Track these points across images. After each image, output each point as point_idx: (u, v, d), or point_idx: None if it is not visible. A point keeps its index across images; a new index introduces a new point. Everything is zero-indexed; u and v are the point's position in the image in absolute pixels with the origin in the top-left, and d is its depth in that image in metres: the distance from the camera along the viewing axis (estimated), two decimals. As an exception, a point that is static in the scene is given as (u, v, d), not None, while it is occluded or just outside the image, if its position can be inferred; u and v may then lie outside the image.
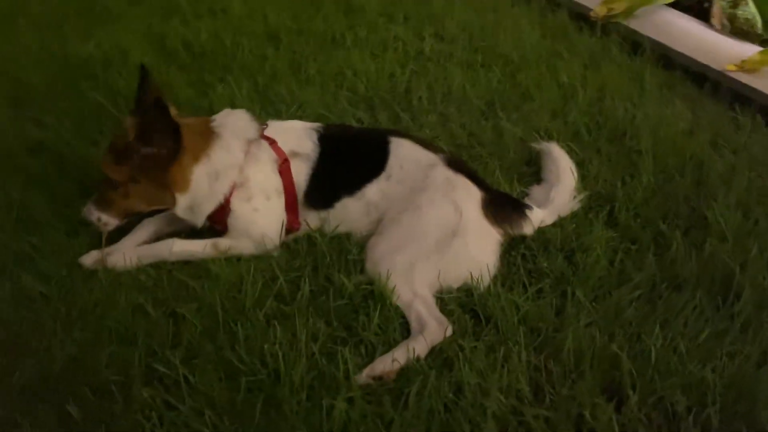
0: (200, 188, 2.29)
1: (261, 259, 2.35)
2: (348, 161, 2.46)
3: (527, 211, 2.41)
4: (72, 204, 2.55)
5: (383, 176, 2.42)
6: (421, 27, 3.97)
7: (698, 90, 3.45)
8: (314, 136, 2.46)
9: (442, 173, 2.38)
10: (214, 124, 2.38)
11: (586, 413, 1.83)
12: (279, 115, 3.06)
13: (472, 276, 2.22)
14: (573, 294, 2.20)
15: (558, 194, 2.56)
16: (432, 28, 3.94)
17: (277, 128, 2.49)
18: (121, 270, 2.29)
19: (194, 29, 3.87)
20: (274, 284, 2.23)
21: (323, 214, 2.45)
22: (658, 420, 1.86)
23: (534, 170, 2.82)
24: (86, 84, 3.37)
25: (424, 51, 3.70)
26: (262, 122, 2.49)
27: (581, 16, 4.13)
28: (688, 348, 2.02)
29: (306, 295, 2.15)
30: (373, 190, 2.41)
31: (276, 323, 2.06)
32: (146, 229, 2.44)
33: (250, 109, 3.00)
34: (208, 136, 2.32)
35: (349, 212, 2.43)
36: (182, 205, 2.31)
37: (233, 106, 3.07)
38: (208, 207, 2.33)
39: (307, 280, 2.19)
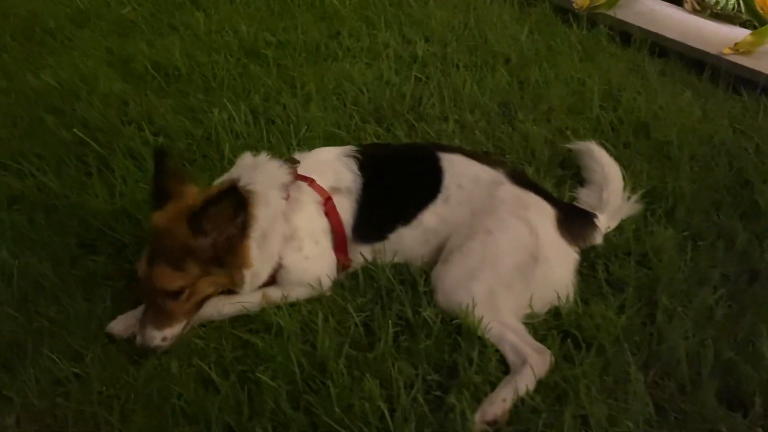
0: (257, 255, 2.01)
1: (321, 302, 2.13)
2: (397, 187, 2.25)
3: (596, 221, 2.32)
4: (77, 261, 2.25)
5: (440, 199, 2.23)
6: (405, 30, 3.81)
7: (698, 76, 3.49)
8: (353, 165, 2.23)
9: (510, 191, 2.22)
10: (241, 180, 2.04)
11: (722, 429, 1.75)
12: (287, 139, 2.84)
13: (559, 298, 2.10)
14: (657, 301, 2.13)
15: (611, 195, 2.45)
16: (417, 31, 3.79)
17: (310, 163, 2.24)
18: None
19: (161, 49, 3.52)
20: (344, 329, 2.03)
21: (377, 246, 2.24)
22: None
23: (572, 173, 2.72)
24: (52, 119, 2.98)
25: (418, 56, 3.55)
26: (290, 159, 2.24)
27: (561, 9, 4.11)
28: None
29: (389, 338, 1.96)
30: (430, 216, 2.22)
31: (363, 374, 1.86)
32: None
33: (252, 136, 2.85)
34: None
35: (406, 242, 2.23)
36: (248, 279, 2.03)
37: (233, 132, 2.87)
38: (266, 271, 2.07)
39: (389, 321, 1.99)
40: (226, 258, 1.93)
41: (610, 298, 2.14)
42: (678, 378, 1.90)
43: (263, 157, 2.18)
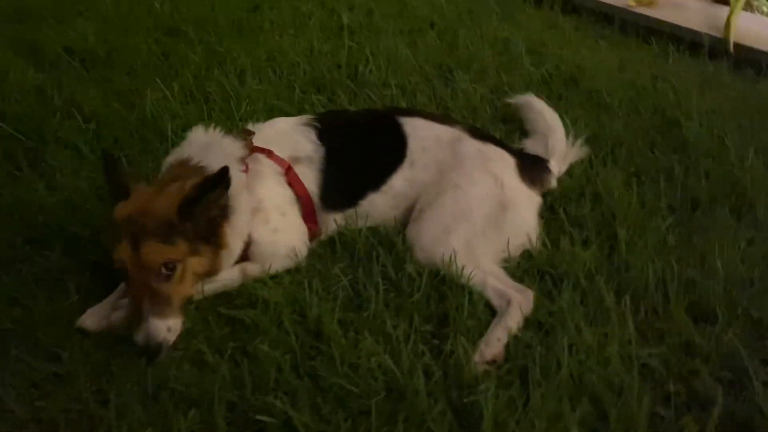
0: (229, 232, 1.93)
1: (300, 271, 2.10)
2: (363, 154, 2.23)
3: (550, 166, 2.42)
4: (29, 259, 2.08)
5: (407, 163, 2.24)
6: (326, 1, 3.78)
7: (610, 28, 3.70)
8: (311, 134, 2.20)
9: (472, 146, 2.27)
10: (192, 160, 2.00)
11: (696, 339, 1.90)
12: (229, 115, 2.75)
13: (530, 240, 2.19)
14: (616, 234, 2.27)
15: (556, 143, 2.56)
16: (339, 1, 3.77)
17: (267, 134, 2.18)
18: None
19: (74, 33, 3.30)
20: (331, 295, 2.01)
21: (349, 212, 2.23)
22: (746, 333, 1.99)
23: (515, 126, 2.82)
24: (-39, 116, 2.74)
25: (344, 24, 3.52)
26: (245, 131, 2.17)
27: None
28: (732, 259, 2.18)
29: (380, 296, 1.96)
30: (399, 181, 2.23)
31: (359, 333, 1.86)
32: None
33: (191, 115, 2.74)
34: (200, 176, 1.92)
35: (377, 207, 2.23)
36: (224, 259, 1.95)
37: (170, 112, 2.75)
38: (239, 246, 2.00)
39: (378, 279, 1.99)
40: (210, 238, 1.85)
41: (574, 236, 2.25)
42: (649, 301, 2.04)
43: (215, 133, 2.11)
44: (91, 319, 1.89)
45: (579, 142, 2.63)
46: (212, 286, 1.98)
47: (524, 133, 2.75)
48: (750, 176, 2.49)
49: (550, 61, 3.28)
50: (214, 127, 2.14)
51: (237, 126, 2.63)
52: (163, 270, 1.78)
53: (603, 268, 2.13)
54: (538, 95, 2.90)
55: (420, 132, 2.29)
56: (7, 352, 1.78)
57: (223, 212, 1.86)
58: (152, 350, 1.74)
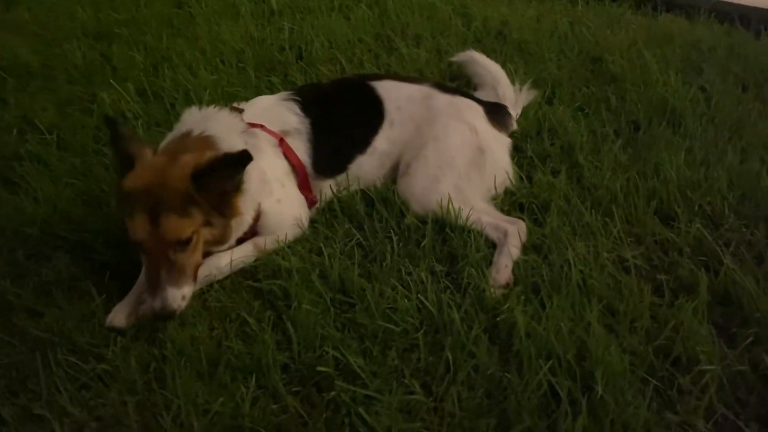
0: (242, 201, 1.96)
1: (309, 240, 2.17)
2: (346, 121, 2.31)
3: (509, 110, 2.61)
4: (35, 272, 2.02)
5: (386, 124, 2.35)
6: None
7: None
8: (295, 107, 2.25)
9: (442, 99, 2.39)
10: (193, 132, 2.01)
11: (668, 236, 2.16)
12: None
13: (508, 177, 2.37)
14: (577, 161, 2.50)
15: (506, 91, 2.73)
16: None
17: (253, 111, 2.21)
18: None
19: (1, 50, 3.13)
20: (345, 255, 2.09)
21: (340, 178, 2.32)
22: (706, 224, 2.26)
23: (463, 82, 2.99)
24: None
25: (274, 8, 3.55)
26: (234, 109, 2.19)
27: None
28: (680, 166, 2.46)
29: (394, 245, 2.08)
30: (381, 141, 2.34)
31: (382, 284, 1.97)
32: None
33: (155, 112, 2.72)
34: (211, 147, 1.96)
35: (364, 169, 2.33)
36: (234, 228, 1.98)
37: (132, 112, 2.72)
38: (250, 216, 2.03)
39: (391, 230, 2.10)
40: (222, 208, 1.88)
41: (543, 169, 2.45)
42: (621, 210, 2.26)
43: (210, 108, 2.11)
44: (120, 315, 1.88)
45: (524, 87, 2.83)
46: (228, 264, 2.02)
47: (474, 88, 2.92)
48: (676, 95, 2.81)
49: (477, 20, 3.46)
50: (212, 106, 2.15)
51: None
52: (180, 242, 1.81)
53: (575, 191, 2.35)
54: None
55: (393, 93, 2.40)
56: (49, 360, 1.75)
57: (237, 185, 1.90)
58: (166, 317, 1.80)
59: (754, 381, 1.70)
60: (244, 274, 2.04)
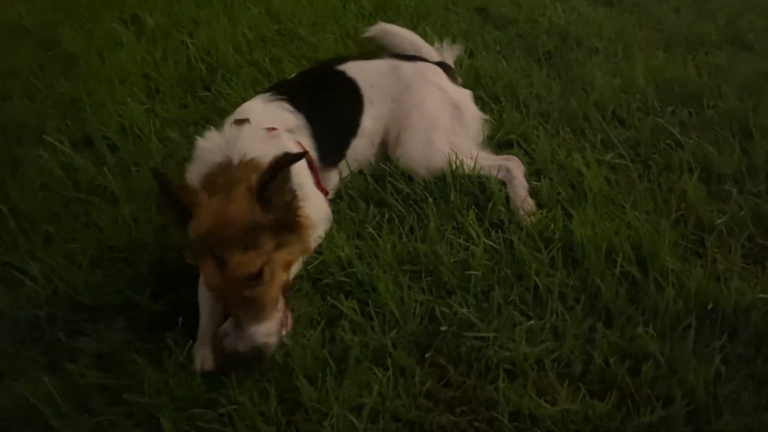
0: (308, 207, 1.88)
1: (343, 226, 2.16)
2: (332, 108, 2.28)
3: (451, 66, 2.77)
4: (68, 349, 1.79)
5: (366, 103, 2.35)
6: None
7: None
8: (286, 105, 2.17)
9: (408, 68, 2.45)
10: (239, 160, 1.87)
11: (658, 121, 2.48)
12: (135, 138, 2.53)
13: (484, 123, 2.52)
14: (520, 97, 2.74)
15: (430, 51, 2.84)
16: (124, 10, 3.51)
17: (256, 117, 2.08)
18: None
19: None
20: (390, 231, 2.11)
21: (341, 165, 2.31)
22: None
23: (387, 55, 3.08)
24: None
25: (149, 24, 3.32)
26: (239, 122, 2.05)
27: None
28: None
29: (432, 207, 2.13)
30: (367, 121, 2.35)
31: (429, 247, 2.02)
32: (209, 301, 1.88)
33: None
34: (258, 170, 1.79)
35: (358, 152, 2.34)
36: (314, 236, 1.90)
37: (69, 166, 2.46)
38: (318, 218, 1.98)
39: (429, 200, 2.14)
40: (293, 223, 1.78)
41: (503, 106, 2.66)
42: (603, 113, 2.57)
43: (229, 129, 1.98)
44: (207, 358, 1.75)
45: (445, 45, 3.01)
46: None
47: (398, 56, 3.03)
48: (568, 22, 3.18)
49: (353, 3, 3.56)
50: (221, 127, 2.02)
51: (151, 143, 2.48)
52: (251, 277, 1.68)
53: (535, 119, 2.59)
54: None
55: (362, 72, 2.41)
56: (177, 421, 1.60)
57: (294, 194, 1.82)
58: (254, 357, 1.67)
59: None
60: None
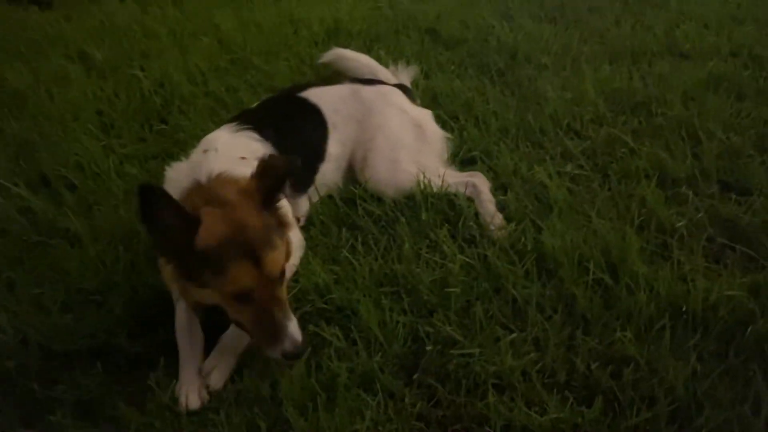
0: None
1: (318, 254, 2.14)
2: (298, 135, 2.28)
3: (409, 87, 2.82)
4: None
5: (331, 128, 2.37)
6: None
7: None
8: (252, 135, 2.14)
9: (368, 92, 2.49)
10: (207, 178, 1.84)
11: (584, 143, 2.58)
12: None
13: (446, 141, 2.57)
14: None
15: (386, 75, 2.92)
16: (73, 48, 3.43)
17: (225, 146, 2.04)
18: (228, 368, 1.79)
19: None
20: (364, 252, 2.11)
21: (310, 192, 2.31)
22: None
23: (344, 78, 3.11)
24: None
25: (97, 59, 3.26)
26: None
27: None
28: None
29: (405, 228, 2.15)
30: (333, 145, 2.36)
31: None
32: (194, 332, 1.85)
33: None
34: (233, 181, 1.81)
35: (327, 176, 2.35)
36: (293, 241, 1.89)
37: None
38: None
39: (404, 224, 2.15)
40: (284, 224, 1.78)
41: (459, 123, 2.73)
42: (536, 136, 2.64)
43: (193, 156, 2.01)
44: (192, 396, 1.70)
45: (400, 68, 3.06)
46: None
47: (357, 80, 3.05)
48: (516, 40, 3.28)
49: (313, 25, 3.59)
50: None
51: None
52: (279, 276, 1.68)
53: (494, 135, 2.66)
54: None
55: (323, 98, 2.42)
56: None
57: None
58: (300, 354, 1.65)
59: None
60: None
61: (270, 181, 1.68)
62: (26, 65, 3.34)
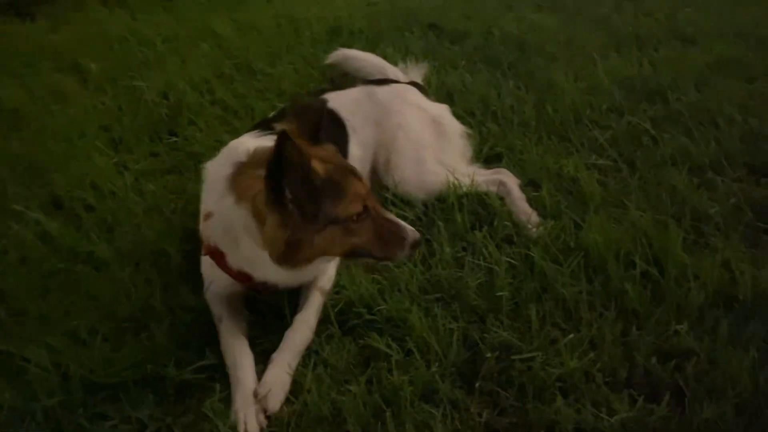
0: None
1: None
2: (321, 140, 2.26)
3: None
4: None
5: (351, 131, 2.31)
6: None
7: None
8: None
9: (383, 92, 2.44)
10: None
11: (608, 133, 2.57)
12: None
13: (468, 137, 2.52)
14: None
15: (395, 72, 2.85)
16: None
17: (251, 142, 1.95)
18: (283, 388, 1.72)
19: None
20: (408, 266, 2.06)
21: None
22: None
23: (350, 80, 3.05)
24: None
25: (92, 71, 3.15)
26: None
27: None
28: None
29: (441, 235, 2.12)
30: (355, 148, 2.31)
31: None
32: (243, 353, 1.80)
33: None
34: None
35: None
36: None
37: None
38: None
39: (442, 228, 2.12)
40: None
41: (476, 119, 2.69)
42: (556, 128, 2.64)
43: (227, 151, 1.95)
44: (250, 421, 1.66)
45: (410, 65, 3.01)
46: (315, 321, 1.89)
47: (363, 81, 2.99)
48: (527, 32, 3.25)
49: (312, 25, 3.52)
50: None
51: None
52: None
53: (520, 129, 2.63)
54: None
55: (339, 102, 2.36)
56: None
57: None
58: (421, 239, 1.79)
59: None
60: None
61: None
62: (17, 81, 3.21)
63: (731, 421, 1.54)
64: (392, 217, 1.78)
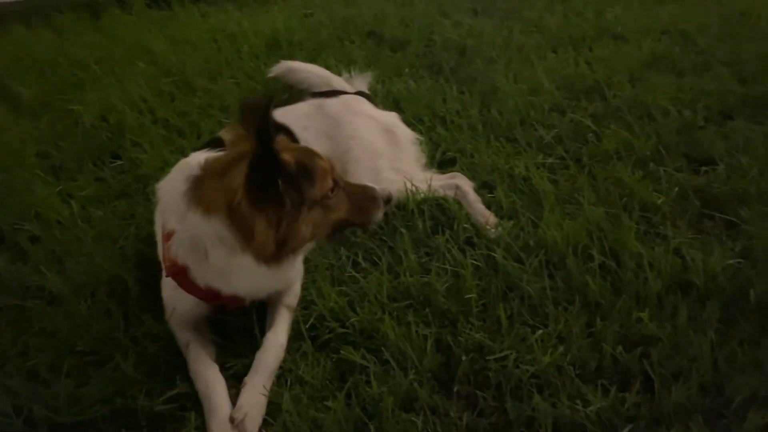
0: None
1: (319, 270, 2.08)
2: None
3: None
4: None
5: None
6: None
7: None
8: None
9: (332, 104, 2.44)
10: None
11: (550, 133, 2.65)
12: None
13: (419, 144, 2.55)
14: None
15: (341, 83, 2.87)
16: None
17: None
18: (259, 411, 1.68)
19: None
20: (369, 271, 2.07)
21: None
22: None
23: (296, 91, 3.03)
24: None
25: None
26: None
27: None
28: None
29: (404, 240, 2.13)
30: None
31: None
32: (214, 379, 1.75)
33: None
34: None
35: None
36: None
37: None
38: None
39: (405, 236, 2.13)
40: None
41: (425, 125, 2.72)
42: (502, 129, 2.69)
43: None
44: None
45: (354, 74, 3.02)
46: (284, 339, 1.86)
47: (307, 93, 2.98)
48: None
49: (249, 39, 3.47)
50: None
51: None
52: None
53: (469, 132, 2.68)
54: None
55: (290, 117, 2.33)
56: None
57: None
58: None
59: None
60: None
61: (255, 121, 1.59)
62: (-59, 111, 3.03)
63: (697, 401, 1.62)
64: (358, 182, 1.88)
